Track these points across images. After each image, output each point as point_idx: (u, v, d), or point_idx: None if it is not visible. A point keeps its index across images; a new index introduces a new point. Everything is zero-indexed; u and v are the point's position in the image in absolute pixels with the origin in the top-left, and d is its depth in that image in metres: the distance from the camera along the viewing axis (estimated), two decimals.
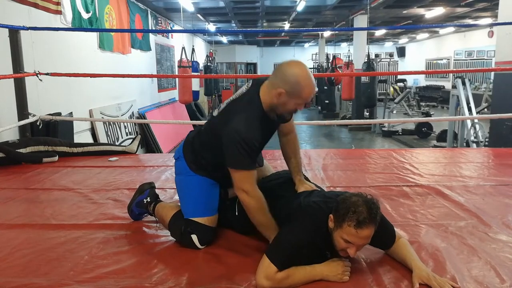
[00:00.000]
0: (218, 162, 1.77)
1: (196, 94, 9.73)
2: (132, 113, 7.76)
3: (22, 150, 3.41)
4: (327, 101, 14.13)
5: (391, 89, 14.17)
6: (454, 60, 16.65)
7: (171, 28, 11.27)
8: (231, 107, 1.76)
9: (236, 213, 1.90)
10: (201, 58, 13.12)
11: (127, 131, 7.35)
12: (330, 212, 1.53)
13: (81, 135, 5.56)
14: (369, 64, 9.21)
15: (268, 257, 1.51)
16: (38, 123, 3.94)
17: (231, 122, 1.65)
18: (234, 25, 12.93)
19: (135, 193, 2.14)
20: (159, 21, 10.10)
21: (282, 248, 1.53)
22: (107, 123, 6.43)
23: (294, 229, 1.57)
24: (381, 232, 1.56)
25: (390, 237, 1.66)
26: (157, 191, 2.16)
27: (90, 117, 5.97)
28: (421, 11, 10.36)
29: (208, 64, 12.45)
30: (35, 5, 4.54)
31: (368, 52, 9.25)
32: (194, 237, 1.77)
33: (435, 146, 8.07)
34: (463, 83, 6.68)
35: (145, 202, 2.06)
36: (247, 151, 1.62)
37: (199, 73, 11.15)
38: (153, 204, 2.04)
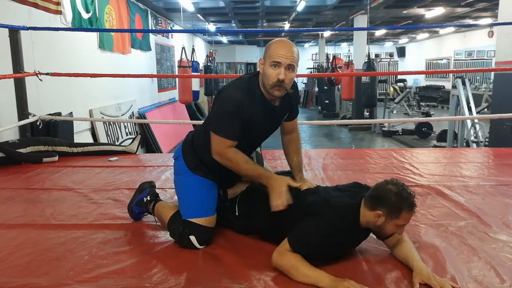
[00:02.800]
0: (217, 162, 1.77)
1: (196, 94, 9.72)
2: (132, 113, 7.76)
3: (22, 150, 3.41)
4: (327, 101, 14.14)
5: (391, 89, 14.19)
6: (454, 60, 16.65)
7: (171, 28, 11.27)
8: (229, 83, 1.84)
9: (237, 213, 1.90)
10: (201, 58, 13.13)
11: (127, 131, 7.35)
12: (357, 205, 1.59)
13: (81, 135, 5.56)
14: (370, 64, 9.21)
15: (290, 245, 1.55)
16: (38, 123, 3.94)
17: (224, 93, 1.75)
18: (234, 25, 12.93)
19: (135, 192, 2.14)
20: (159, 21, 10.10)
21: (307, 237, 1.57)
22: (107, 123, 6.42)
23: (323, 223, 1.58)
24: None
25: None
26: (157, 191, 2.15)
27: (90, 117, 5.97)
28: (421, 11, 10.36)
29: (208, 64, 12.46)
30: (35, 5, 4.54)
31: (369, 52, 9.25)
32: (192, 238, 1.77)
33: (435, 146, 8.06)
34: (463, 83, 6.68)
35: (145, 200, 2.06)
36: (230, 117, 1.68)
37: (199, 73, 11.15)
38: (153, 203, 2.04)
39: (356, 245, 1.70)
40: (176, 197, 2.38)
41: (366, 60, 9.25)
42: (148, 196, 2.06)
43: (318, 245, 1.55)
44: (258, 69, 1.80)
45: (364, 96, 9.77)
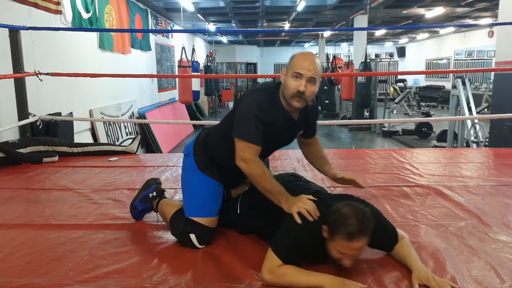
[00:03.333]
0: (229, 163, 1.77)
1: (196, 94, 9.72)
2: (132, 113, 7.76)
3: (22, 150, 3.41)
4: (327, 101, 14.13)
5: (391, 89, 14.19)
6: (454, 60, 16.65)
7: (171, 28, 11.26)
8: (251, 88, 1.87)
9: (238, 212, 1.90)
10: (201, 58, 13.12)
11: (127, 131, 7.35)
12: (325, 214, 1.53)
13: (81, 135, 5.56)
14: (366, 64, 9.24)
15: (273, 249, 1.53)
16: (38, 123, 3.94)
17: (247, 96, 1.76)
18: (234, 25, 12.93)
19: (141, 189, 2.15)
20: (159, 21, 10.10)
21: (285, 240, 1.55)
22: (107, 123, 6.42)
23: (296, 223, 1.55)
24: (382, 235, 1.59)
25: (391, 240, 1.66)
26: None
27: (90, 117, 5.97)
28: (421, 11, 10.36)
29: (208, 64, 12.46)
30: (35, 5, 4.54)
31: (366, 52, 9.26)
32: (192, 237, 1.77)
33: (435, 146, 8.06)
34: (463, 83, 6.68)
35: (150, 196, 2.07)
36: (255, 124, 1.65)
37: (199, 73, 11.15)
38: (158, 199, 2.05)
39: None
40: (176, 197, 2.39)
41: (363, 60, 9.28)
42: (154, 192, 2.07)
43: (294, 243, 1.53)
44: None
45: (359, 96, 9.77)
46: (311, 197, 1.63)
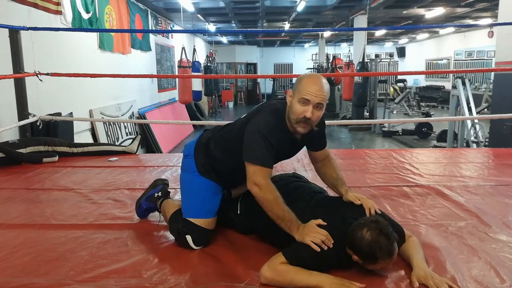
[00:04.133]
0: (230, 174, 1.76)
1: (198, 94, 9.71)
2: (132, 113, 7.76)
3: (22, 150, 3.42)
4: (327, 101, 14.10)
5: (391, 89, 14.16)
6: (454, 60, 16.65)
7: (171, 28, 11.26)
8: (260, 107, 1.78)
9: (238, 212, 1.90)
10: (201, 58, 13.12)
11: (127, 131, 7.34)
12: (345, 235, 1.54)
13: (81, 135, 5.56)
14: (363, 65, 9.24)
15: (284, 255, 1.52)
16: (38, 123, 3.95)
17: (256, 116, 1.69)
18: (234, 25, 12.93)
19: (148, 188, 2.17)
20: (159, 21, 10.10)
21: (299, 255, 1.53)
22: (107, 123, 6.42)
23: (312, 248, 1.53)
24: None
25: (400, 236, 1.64)
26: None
27: (90, 117, 5.97)
28: (421, 11, 10.36)
29: (208, 64, 12.45)
30: (35, 5, 4.54)
31: (364, 52, 9.25)
32: (188, 238, 1.78)
33: (435, 146, 8.06)
34: (463, 83, 6.68)
35: (155, 196, 2.08)
36: (266, 146, 1.62)
37: (200, 73, 11.14)
38: (162, 199, 2.06)
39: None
40: (176, 197, 2.39)
41: (360, 60, 9.29)
42: (160, 192, 2.09)
43: (312, 261, 1.52)
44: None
45: (356, 96, 9.77)
46: (320, 221, 1.59)
